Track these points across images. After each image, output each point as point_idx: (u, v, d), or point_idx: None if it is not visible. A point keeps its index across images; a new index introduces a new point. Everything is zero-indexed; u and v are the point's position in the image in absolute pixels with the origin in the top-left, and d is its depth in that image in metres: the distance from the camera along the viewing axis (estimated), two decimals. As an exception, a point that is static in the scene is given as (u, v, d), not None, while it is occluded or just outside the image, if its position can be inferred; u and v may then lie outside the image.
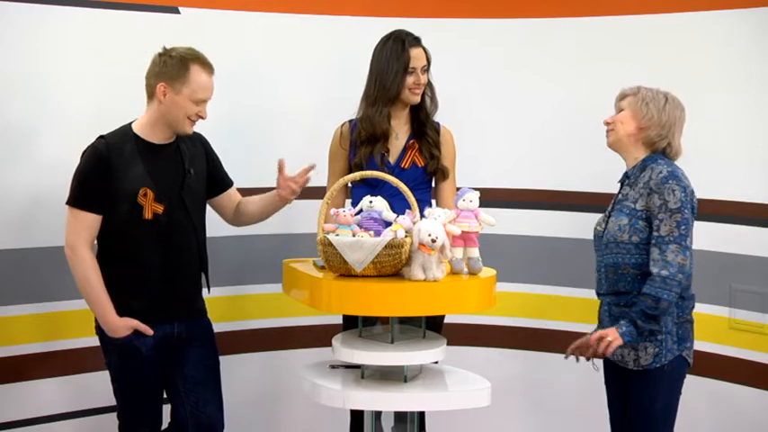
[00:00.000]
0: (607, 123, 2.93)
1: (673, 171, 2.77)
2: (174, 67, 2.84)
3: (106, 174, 2.84)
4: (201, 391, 3.01)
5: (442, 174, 3.27)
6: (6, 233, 3.33)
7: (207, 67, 2.89)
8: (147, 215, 2.87)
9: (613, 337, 2.74)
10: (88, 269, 2.85)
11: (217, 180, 3.12)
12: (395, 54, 3.18)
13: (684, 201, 2.72)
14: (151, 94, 2.89)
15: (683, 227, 2.71)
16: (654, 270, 2.70)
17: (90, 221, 2.86)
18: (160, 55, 2.88)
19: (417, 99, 3.22)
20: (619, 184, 2.96)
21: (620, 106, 2.92)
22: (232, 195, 3.17)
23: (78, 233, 2.85)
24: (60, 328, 3.42)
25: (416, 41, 3.23)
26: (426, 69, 3.22)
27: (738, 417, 3.51)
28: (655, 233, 2.74)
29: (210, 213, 3.14)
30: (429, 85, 3.27)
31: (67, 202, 2.88)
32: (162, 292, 2.91)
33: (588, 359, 2.88)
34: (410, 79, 3.19)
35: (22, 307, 3.36)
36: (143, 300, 2.89)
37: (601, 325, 2.97)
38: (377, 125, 3.18)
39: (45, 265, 3.36)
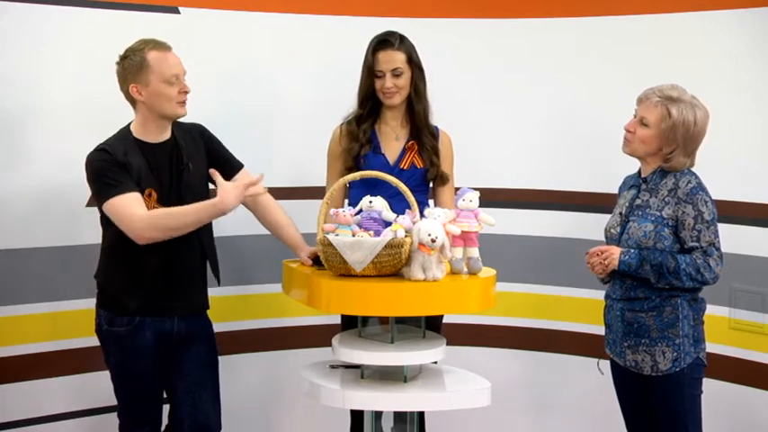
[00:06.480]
0: (628, 131, 2.89)
1: (700, 181, 2.83)
2: (132, 64, 2.85)
3: (119, 164, 2.83)
4: (199, 391, 3.00)
5: (441, 179, 3.28)
6: (10, 233, 3.33)
7: (161, 46, 2.89)
8: None
9: (615, 256, 2.81)
10: (168, 217, 2.78)
11: (221, 163, 3.06)
12: (365, 58, 3.23)
13: (714, 212, 2.80)
14: (131, 100, 2.90)
15: (717, 238, 2.80)
16: (699, 261, 2.76)
17: (132, 199, 2.79)
18: (118, 62, 2.89)
19: (392, 102, 3.21)
20: (634, 188, 2.94)
21: (644, 118, 2.84)
22: (244, 180, 3.08)
23: (131, 213, 2.77)
24: (64, 327, 3.42)
25: (385, 44, 3.20)
26: (400, 73, 3.18)
27: (738, 417, 3.51)
28: (693, 243, 2.78)
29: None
30: (415, 87, 3.23)
31: (101, 203, 2.83)
32: (159, 290, 2.91)
33: (601, 278, 2.96)
34: (378, 83, 3.20)
35: (26, 306, 3.36)
36: (140, 297, 2.89)
37: (609, 329, 2.97)
38: (351, 126, 3.25)
39: (48, 265, 3.36)
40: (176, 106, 2.89)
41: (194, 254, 2.99)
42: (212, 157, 3.05)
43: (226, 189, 2.78)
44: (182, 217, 2.80)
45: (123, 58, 2.88)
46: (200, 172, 3.00)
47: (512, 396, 3.91)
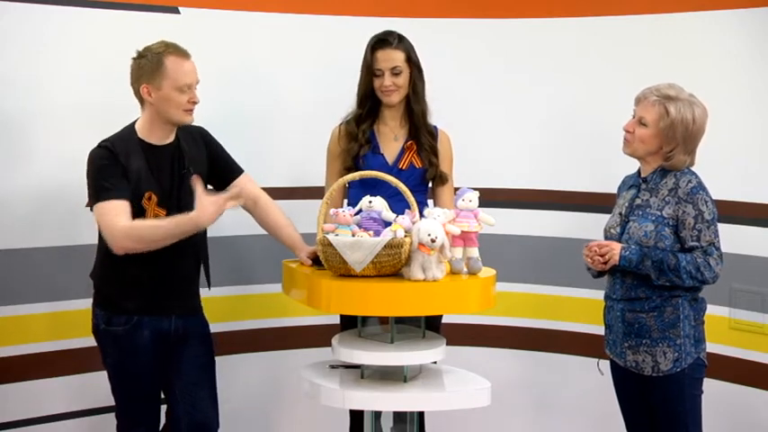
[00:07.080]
0: (627, 131, 2.89)
1: (700, 181, 2.83)
2: (149, 65, 2.84)
3: (118, 166, 2.82)
4: (196, 390, 3.00)
5: (440, 179, 3.28)
6: (12, 233, 3.33)
7: (180, 53, 2.87)
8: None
9: (616, 252, 2.81)
10: (147, 229, 2.78)
11: (221, 167, 3.06)
12: (364, 56, 3.24)
13: (715, 212, 2.80)
14: (140, 99, 2.89)
15: (717, 238, 2.80)
16: (699, 260, 2.77)
17: (120, 207, 2.79)
18: (135, 59, 2.88)
19: (391, 100, 3.22)
20: (633, 188, 2.94)
21: (643, 117, 2.84)
22: (244, 185, 3.07)
23: (115, 223, 2.77)
24: (64, 327, 3.42)
25: (383, 43, 3.21)
26: (398, 71, 3.19)
27: (738, 417, 3.51)
28: (694, 242, 2.78)
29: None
30: (414, 86, 3.24)
31: (92, 203, 2.83)
32: (157, 289, 2.90)
33: (594, 272, 2.96)
34: (376, 82, 3.21)
35: (27, 306, 3.36)
36: (137, 296, 2.89)
37: (610, 330, 2.97)
38: (350, 126, 3.26)
39: (49, 265, 3.36)
40: (183, 114, 2.89)
41: (190, 258, 2.99)
42: (213, 161, 3.05)
43: (203, 204, 2.75)
44: (158, 230, 2.79)
45: (140, 56, 2.87)
46: (201, 176, 3.00)
47: (512, 396, 3.90)
